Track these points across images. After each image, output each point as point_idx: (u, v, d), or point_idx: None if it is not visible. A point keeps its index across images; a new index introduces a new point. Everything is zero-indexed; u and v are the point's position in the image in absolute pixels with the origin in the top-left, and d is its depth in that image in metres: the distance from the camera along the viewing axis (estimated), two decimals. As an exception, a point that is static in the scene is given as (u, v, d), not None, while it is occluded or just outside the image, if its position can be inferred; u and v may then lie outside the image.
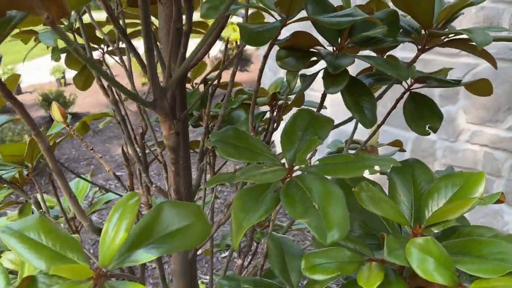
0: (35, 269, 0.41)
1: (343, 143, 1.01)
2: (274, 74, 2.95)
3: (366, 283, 0.45)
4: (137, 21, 0.84)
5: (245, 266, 0.90)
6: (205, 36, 0.42)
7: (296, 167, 0.48)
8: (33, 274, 0.40)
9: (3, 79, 0.40)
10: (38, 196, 0.72)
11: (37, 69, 5.89)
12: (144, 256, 0.40)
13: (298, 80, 0.66)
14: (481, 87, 0.73)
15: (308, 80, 0.62)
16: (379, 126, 0.81)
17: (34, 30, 0.86)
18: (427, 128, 0.73)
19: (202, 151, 0.74)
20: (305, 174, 0.46)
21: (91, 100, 4.58)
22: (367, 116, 0.59)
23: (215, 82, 0.80)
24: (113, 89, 0.75)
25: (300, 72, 0.65)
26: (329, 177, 0.45)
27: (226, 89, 0.74)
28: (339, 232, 0.39)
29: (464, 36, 0.58)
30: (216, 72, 0.75)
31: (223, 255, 2.29)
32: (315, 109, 0.61)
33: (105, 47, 0.92)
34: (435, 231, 0.57)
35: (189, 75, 0.97)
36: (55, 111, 0.58)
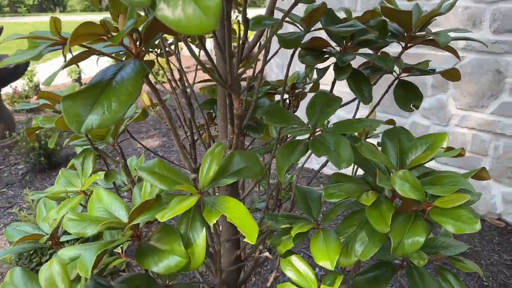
0: (160, 191, 0.66)
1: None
2: (281, 70, 3.18)
3: (366, 201, 0.68)
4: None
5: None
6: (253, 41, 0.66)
7: (318, 130, 0.73)
8: (159, 194, 0.64)
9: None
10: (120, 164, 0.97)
11: (53, 70, 6.15)
12: (226, 181, 0.64)
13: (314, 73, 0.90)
14: (452, 74, 0.97)
15: (322, 72, 0.86)
16: (375, 107, 1.05)
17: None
18: (411, 106, 0.98)
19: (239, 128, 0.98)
20: (324, 133, 0.70)
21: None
22: (366, 96, 0.83)
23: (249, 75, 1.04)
24: (172, 82, 0.99)
25: (315, 67, 0.89)
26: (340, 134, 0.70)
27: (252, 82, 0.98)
28: (347, 163, 0.63)
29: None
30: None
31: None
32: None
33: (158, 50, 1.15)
34: (417, 174, 0.81)
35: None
36: (145, 98, 0.82)
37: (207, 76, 2.13)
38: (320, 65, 0.89)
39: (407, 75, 1.02)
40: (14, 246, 0.87)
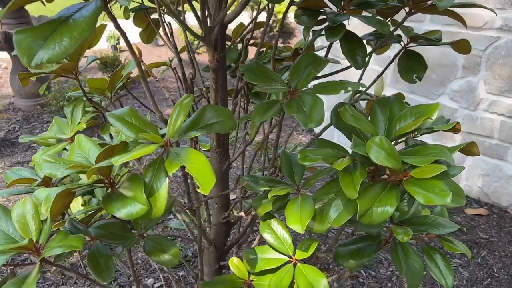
0: (127, 138, 0.66)
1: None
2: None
3: (338, 166, 0.66)
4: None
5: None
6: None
7: (297, 90, 0.70)
8: (125, 141, 0.65)
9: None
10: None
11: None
12: (195, 133, 0.64)
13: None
14: (461, 46, 0.91)
15: (317, 34, 0.83)
16: (378, 77, 1.01)
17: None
18: (414, 78, 0.93)
19: (236, 91, 0.97)
20: (302, 93, 0.68)
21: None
22: (358, 61, 0.80)
23: (249, 39, 1.02)
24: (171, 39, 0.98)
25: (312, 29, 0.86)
26: (319, 96, 0.67)
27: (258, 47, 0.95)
28: (316, 124, 0.61)
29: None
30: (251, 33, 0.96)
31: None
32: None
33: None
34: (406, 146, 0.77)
35: (230, 34, 1.18)
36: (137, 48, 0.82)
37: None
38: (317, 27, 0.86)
39: (415, 45, 0.96)
40: (8, 188, 0.91)
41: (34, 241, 0.64)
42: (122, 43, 6.01)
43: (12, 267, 0.67)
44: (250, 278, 0.84)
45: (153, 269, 1.68)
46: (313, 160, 0.70)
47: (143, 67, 0.92)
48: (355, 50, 0.80)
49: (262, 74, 0.72)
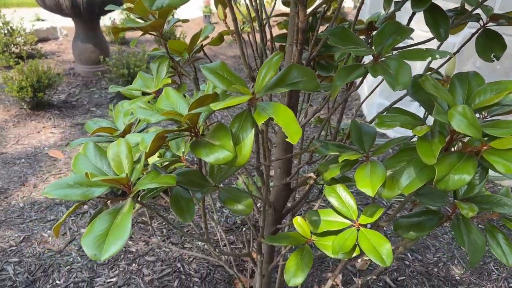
0: (218, 89, 0.70)
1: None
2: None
3: (418, 132, 0.68)
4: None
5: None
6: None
7: (382, 56, 0.72)
8: (216, 92, 0.69)
9: None
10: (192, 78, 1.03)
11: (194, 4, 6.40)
12: (281, 89, 0.67)
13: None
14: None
15: (399, 4, 0.84)
16: (455, 53, 1.00)
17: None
18: (492, 57, 0.92)
19: (309, 59, 1.00)
20: (387, 58, 0.70)
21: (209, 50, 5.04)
22: (442, 34, 0.80)
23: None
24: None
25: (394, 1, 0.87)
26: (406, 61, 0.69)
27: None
28: (403, 86, 0.63)
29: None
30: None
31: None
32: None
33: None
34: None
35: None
36: (220, 11, 0.86)
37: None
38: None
39: (494, 25, 0.95)
40: (91, 135, 0.98)
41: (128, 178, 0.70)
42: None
43: (107, 200, 0.74)
44: (312, 238, 0.88)
45: (203, 231, 1.76)
46: (391, 125, 0.72)
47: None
48: (439, 22, 0.80)
49: (346, 38, 0.74)
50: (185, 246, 1.71)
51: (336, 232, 0.86)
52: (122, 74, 3.14)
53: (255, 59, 1.07)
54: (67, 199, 0.68)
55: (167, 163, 0.99)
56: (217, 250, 0.95)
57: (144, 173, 0.83)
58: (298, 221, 0.89)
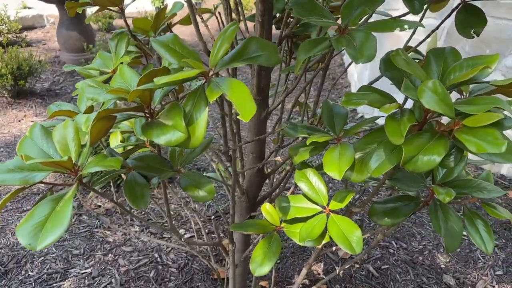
0: (169, 64, 0.65)
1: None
2: None
3: (386, 110, 0.63)
4: None
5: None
6: None
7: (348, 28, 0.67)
8: (165, 66, 0.64)
9: None
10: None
11: (138, -3, 6.33)
12: (238, 63, 0.62)
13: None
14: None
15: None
16: (433, 30, 0.95)
17: None
18: (472, 33, 0.87)
19: (280, 38, 0.94)
20: (353, 31, 0.65)
21: (184, 29, 4.94)
22: (415, 6, 0.74)
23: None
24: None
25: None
26: (373, 33, 0.63)
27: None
28: (366, 59, 0.57)
29: None
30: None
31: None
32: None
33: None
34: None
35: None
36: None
37: None
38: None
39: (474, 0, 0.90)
40: (48, 119, 0.92)
41: (73, 162, 0.65)
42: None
43: (51, 186, 0.68)
44: (282, 225, 0.83)
45: (184, 220, 1.71)
46: (358, 103, 0.67)
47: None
48: (412, -6, 0.75)
49: (312, 9, 0.69)
50: (164, 236, 1.66)
51: (306, 219, 0.81)
52: (106, 61, 3.07)
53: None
54: (5, 184, 0.63)
55: (130, 147, 0.93)
56: (183, 240, 0.90)
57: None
58: (266, 208, 0.84)
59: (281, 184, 1.12)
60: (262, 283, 1.40)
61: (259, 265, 0.79)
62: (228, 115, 0.78)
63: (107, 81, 0.85)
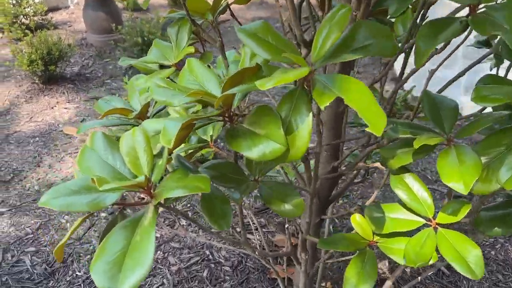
0: (261, 59, 0.53)
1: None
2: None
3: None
4: None
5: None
6: None
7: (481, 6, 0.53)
8: (258, 63, 0.52)
9: None
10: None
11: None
12: (347, 56, 0.49)
13: None
14: None
15: None
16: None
17: None
18: None
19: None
20: (488, 9, 0.51)
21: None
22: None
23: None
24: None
25: None
26: None
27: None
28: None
29: None
30: None
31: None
32: None
33: None
34: None
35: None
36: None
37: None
38: None
39: None
40: (101, 118, 0.82)
41: (147, 178, 0.54)
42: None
43: (121, 207, 0.58)
44: (375, 239, 0.72)
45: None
46: (495, 100, 0.54)
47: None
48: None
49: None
50: (212, 231, 1.57)
51: (406, 233, 0.70)
52: (136, 42, 2.96)
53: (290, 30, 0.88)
54: (72, 210, 0.53)
55: (191, 150, 0.82)
56: (256, 252, 0.79)
57: (168, 167, 0.67)
58: (356, 219, 0.72)
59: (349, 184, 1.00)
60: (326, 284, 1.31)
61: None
62: (316, 116, 0.66)
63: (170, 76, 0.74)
